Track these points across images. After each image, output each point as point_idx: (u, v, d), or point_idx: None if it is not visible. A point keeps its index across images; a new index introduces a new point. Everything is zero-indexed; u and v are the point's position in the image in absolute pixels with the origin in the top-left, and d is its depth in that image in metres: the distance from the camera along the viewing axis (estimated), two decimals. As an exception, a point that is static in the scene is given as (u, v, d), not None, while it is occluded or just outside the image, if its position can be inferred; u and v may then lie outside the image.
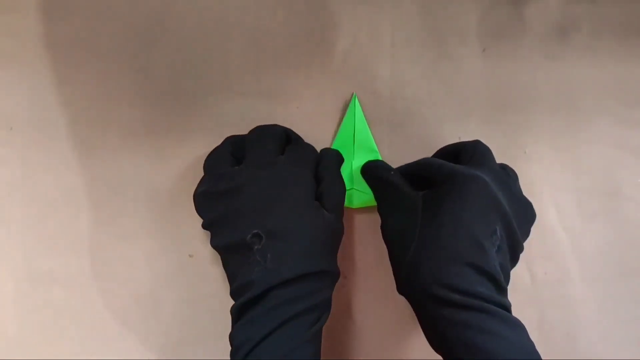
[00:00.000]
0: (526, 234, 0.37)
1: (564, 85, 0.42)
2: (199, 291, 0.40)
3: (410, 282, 0.34)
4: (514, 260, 0.35)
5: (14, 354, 0.39)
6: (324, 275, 0.34)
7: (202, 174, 0.37)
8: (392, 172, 0.37)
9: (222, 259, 0.35)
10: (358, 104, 0.41)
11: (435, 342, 0.33)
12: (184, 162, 0.40)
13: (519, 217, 0.35)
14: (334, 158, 0.38)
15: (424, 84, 0.41)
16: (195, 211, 0.36)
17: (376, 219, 0.39)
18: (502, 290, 0.33)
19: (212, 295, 0.40)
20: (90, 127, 0.40)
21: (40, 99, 0.39)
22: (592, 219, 0.42)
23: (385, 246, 0.38)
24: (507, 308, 0.32)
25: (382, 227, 0.37)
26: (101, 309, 0.39)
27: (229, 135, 0.38)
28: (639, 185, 0.42)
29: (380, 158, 0.40)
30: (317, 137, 0.41)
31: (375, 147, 0.40)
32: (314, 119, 0.41)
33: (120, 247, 0.39)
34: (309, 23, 0.41)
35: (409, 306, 0.40)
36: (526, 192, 0.41)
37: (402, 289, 0.35)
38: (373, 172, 0.39)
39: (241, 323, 0.32)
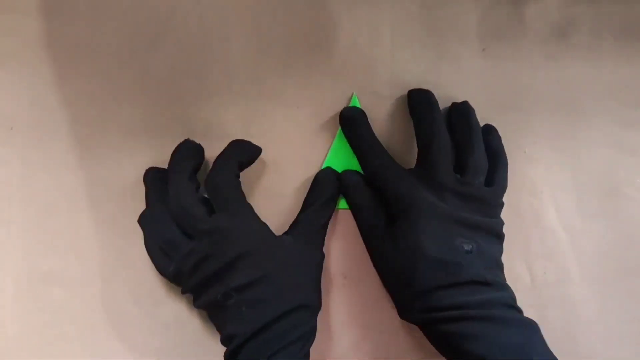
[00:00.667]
0: (500, 198, 0.38)
1: (564, 85, 0.42)
2: (199, 291, 0.40)
3: (403, 312, 0.37)
4: (499, 238, 0.37)
5: (14, 354, 0.39)
6: (302, 309, 0.35)
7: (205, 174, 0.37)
8: (361, 193, 0.39)
9: (207, 314, 0.37)
10: (358, 103, 0.41)
11: (444, 353, 0.36)
12: (184, 162, 0.40)
13: (484, 203, 0.37)
14: (328, 181, 0.39)
15: (424, 84, 0.41)
16: None
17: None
18: (491, 285, 0.34)
19: (212, 295, 0.40)
20: (91, 127, 0.40)
21: (40, 99, 0.40)
22: (592, 219, 0.42)
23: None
24: (499, 300, 0.34)
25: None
26: (101, 309, 0.39)
27: (228, 135, 0.38)
28: (639, 185, 0.42)
29: None
30: (318, 137, 0.41)
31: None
32: (314, 119, 0.41)
33: (120, 247, 0.39)
34: (309, 23, 0.41)
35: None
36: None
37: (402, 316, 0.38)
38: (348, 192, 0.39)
39: None
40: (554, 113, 0.42)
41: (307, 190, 0.40)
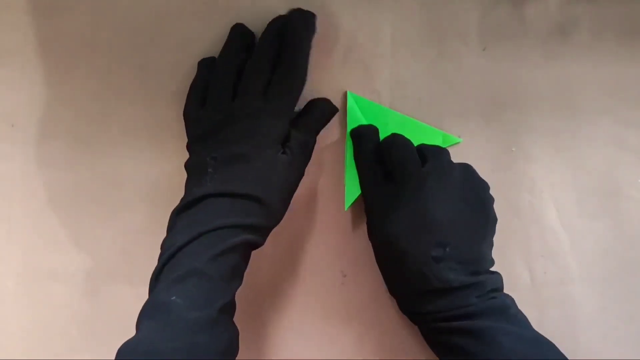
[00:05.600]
0: (490, 208, 0.38)
1: (564, 84, 0.42)
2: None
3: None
4: (492, 229, 0.38)
5: (13, 352, 0.39)
6: (261, 204, 0.35)
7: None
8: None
9: (187, 176, 0.37)
10: (353, 101, 0.40)
11: (434, 346, 0.37)
12: (185, 158, 0.40)
13: (470, 203, 0.37)
14: (326, 110, 0.40)
15: (424, 84, 0.41)
16: None
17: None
18: (455, 289, 0.34)
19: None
20: (91, 123, 0.40)
21: (41, 96, 0.40)
22: (592, 219, 0.42)
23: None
24: (461, 305, 0.34)
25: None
26: (101, 307, 0.39)
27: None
28: (639, 185, 0.42)
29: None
30: (318, 136, 0.41)
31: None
32: (314, 117, 0.41)
33: (120, 244, 0.40)
34: (309, 22, 0.41)
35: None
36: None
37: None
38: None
39: (171, 232, 0.35)
40: (554, 112, 0.42)
41: (308, 191, 0.40)
